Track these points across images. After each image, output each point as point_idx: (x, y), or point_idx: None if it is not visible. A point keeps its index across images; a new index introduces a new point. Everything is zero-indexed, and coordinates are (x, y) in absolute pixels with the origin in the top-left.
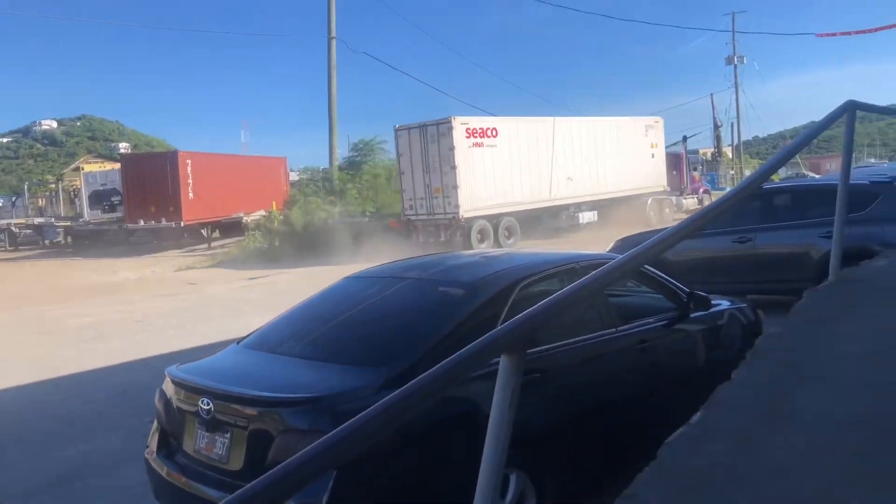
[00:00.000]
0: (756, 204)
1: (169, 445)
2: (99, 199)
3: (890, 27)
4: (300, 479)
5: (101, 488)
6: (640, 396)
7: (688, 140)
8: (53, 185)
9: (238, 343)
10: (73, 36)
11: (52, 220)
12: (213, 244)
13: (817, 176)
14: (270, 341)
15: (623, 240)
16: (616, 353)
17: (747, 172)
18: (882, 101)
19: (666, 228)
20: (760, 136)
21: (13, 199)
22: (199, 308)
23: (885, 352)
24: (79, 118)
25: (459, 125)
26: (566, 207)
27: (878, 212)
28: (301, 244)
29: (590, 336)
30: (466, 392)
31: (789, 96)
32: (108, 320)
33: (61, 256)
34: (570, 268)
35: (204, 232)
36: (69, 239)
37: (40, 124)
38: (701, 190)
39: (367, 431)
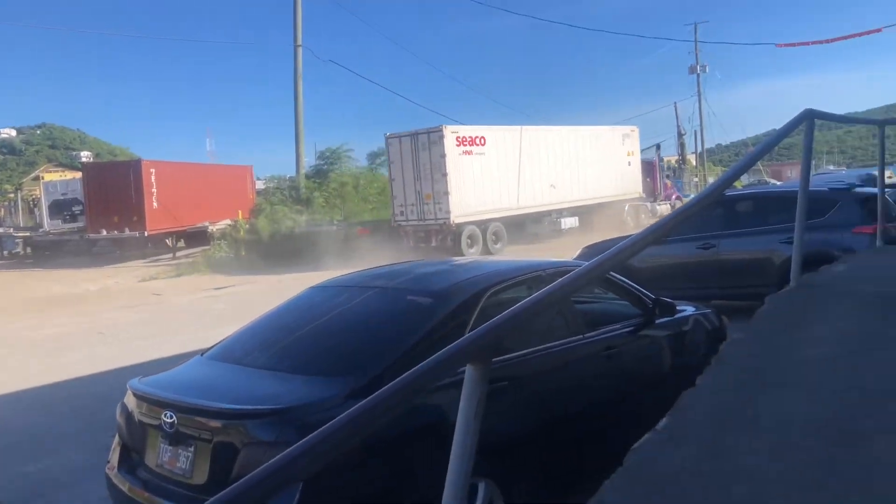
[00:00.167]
0: (719, 211)
1: (131, 460)
2: (60, 208)
3: (846, 38)
4: (265, 491)
5: None
6: (606, 402)
7: (651, 148)
8: (12, 195)
9: (202, 355)
10: (33, 43)
11: (11, 230)
12: (178, 254)
13: (779, 183)
14: (235, 352)
15: (589, 247)
16: (583, 359)
17: (711, 179)
18: (840, 109)
19: (631, 235)
20: (723, 143)
21: None
22: (163, 319)
23: (846, 356)
24: (39, 126)
25: (450, 134)
26: (549, 213)
27: (837, 218)
28: (268, 253)
29: (557, 343)
30: (433, 401)
31: (751, 104)
32: (69, 332)
33: (21, 268)
34: (538, 275)
35: (168, 242)
36: (29, 250)
37: None
38: (673, 196)
39: (334, 442)
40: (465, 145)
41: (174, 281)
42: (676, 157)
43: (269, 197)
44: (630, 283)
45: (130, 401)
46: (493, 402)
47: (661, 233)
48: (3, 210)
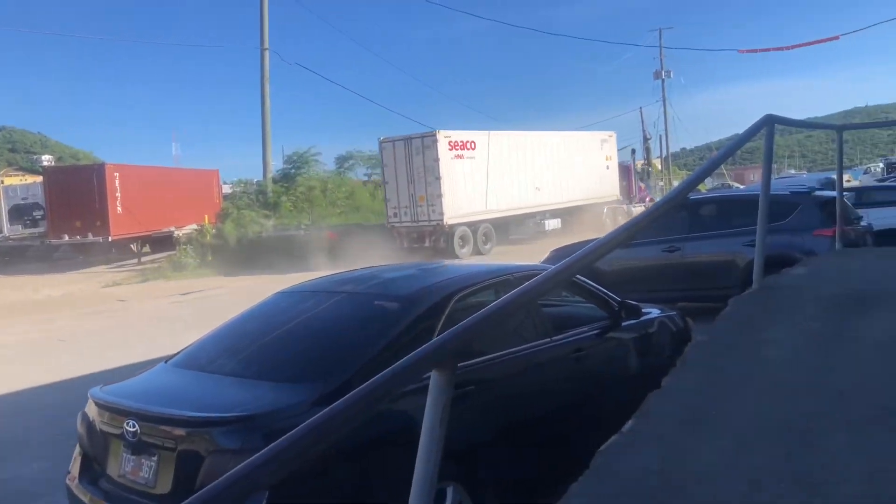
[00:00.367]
0: (684, 214)
1: (92, 470)
2: (20, 213)
3: (806, 45)
4: (230, 499)
5: None
6: (574, 405)
7: (619, 152)
8: None
9: (166, 362)
10: None
11: None
12: (144, 259)
13: (742, 186)
14: (200, 359)
15: (557, 250)
16: (550, 362)
17: (676, 183)
18: (801, 114)
19: (596, 239)
20: (688, 147)
21: None
22: (127, 326)
23: (806, 357)
24: None
25: (443, 138)
26: (534, 215)
27: (798, 221)
28: (235, 258)
29: (524, 347)
30: (400, 407)
31: (715, 109)
32: (29, 340)
33: None
34: (505, 279)
35: (133, 247)
36: None
37: None
38: (647, 199)
39: (299, 449)
40: (457, 149)
41: (139, 286)
42: (642, 162)
43: (235, 201)
44: (596, 286)
45: (92, 410)
46: (461, 406)
47: (626, 236)
48: None
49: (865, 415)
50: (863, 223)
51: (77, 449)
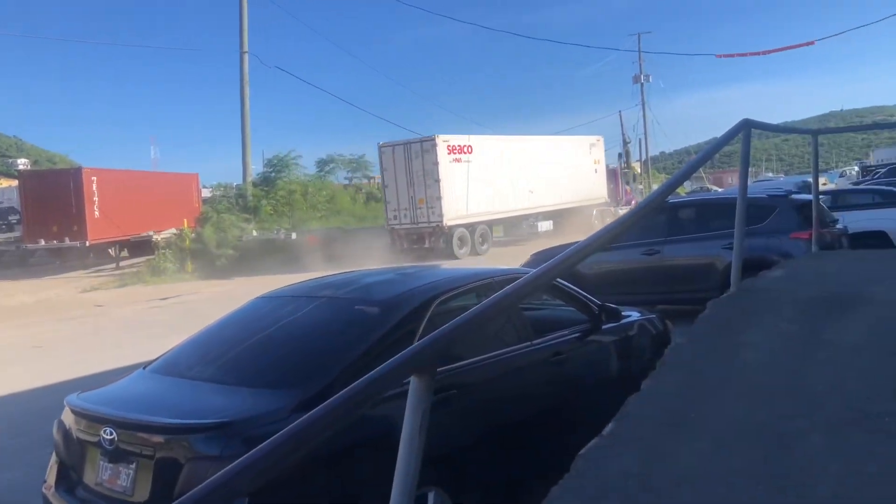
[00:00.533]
0: (663, 217)
1: (69, 479)
2: None
3: (782, 49)
4: None
5: None
6: (555, 408)
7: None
8: None
9: (144, 368)
10: None
11: None
12: (122, 264)
13: (720, 189)
14: (179, 365)
15: (537, 254)
16: (531, 366)
17: (655, 186)
18: (778, 117)
19: (576, 242)
20: (667, 151)
21: None
22: (105, 331)
23: (783, 360)
24: None
25: (442, 142)
26: (527, 217)
27: (775, 224)
28: (214, 262)
29: (505, 350)
30: (380, 412)
31: (693, 113)
32: (4, 346)
33: None
34: (487, 283)
35: (111, 251)
36: None
37: None
38: (633, 201)
39: (279, 456)
40: (455, 153)
41: (117, 291)
42: (622, 165)
43: (215, 205)
44: (577, 289)
45: (68, 417)
46: (443, 411)
47: (605, 240)
48: None
49: (841, 417)
50: (838, 226)
51: (53, 457)
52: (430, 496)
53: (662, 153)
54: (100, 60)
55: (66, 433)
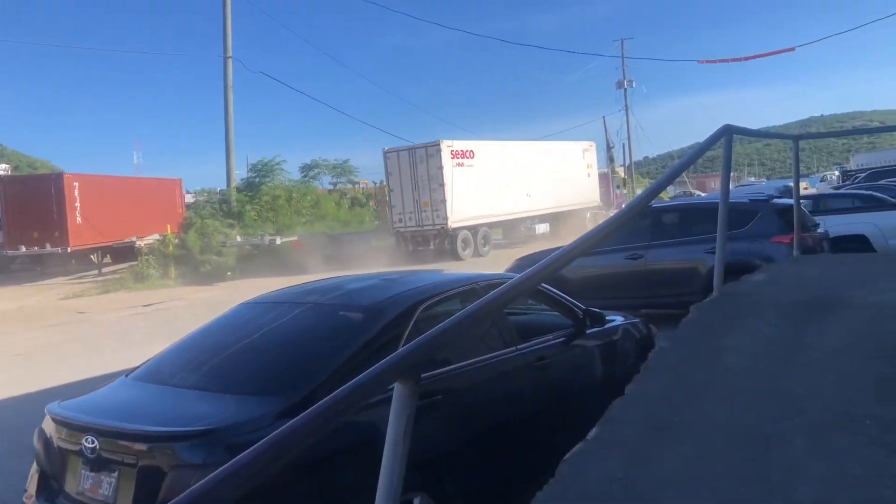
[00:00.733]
0: (646, 222)
1: (50, 488)
2: None
3: (763, 55)
4: None
5: None
6: (540, 413)
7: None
8: None
9: (127, 375)
10: None
11: None
12: (104, 270)
13: (703, 194)
14: (162, 373)
15: (521, 259)
16: (516, 371)
17: (639, 191)
18: (760, 122)
19: (561, 247)
20: (650, 156)
21: None
22: (86, 339)
23: (766, 363)
24: None
25: (446, 147)
26: (525, 220)
27: (757, 228)
28: (198, 268)
29: (490, 355)
30: (365, 417)
31: (677, 118)
32: None
33: None
34: (471, 288)
35: (94, 257)
36: None
37: None
38: (623, 205)
39: (262, 463)
40: (459, 158)
41: (100, 298)
42: (612, 170)
43: (199, 210)
44: (561, 294)
45: (49, 426)
46: (428, 416)
47: (589, 244)
48: None
49: (824, 420)
50: (820, 230)
51: (34, 466)
52: (416, 502)
53: (646, 158)
54: (82, 65)
55: (46, 442)
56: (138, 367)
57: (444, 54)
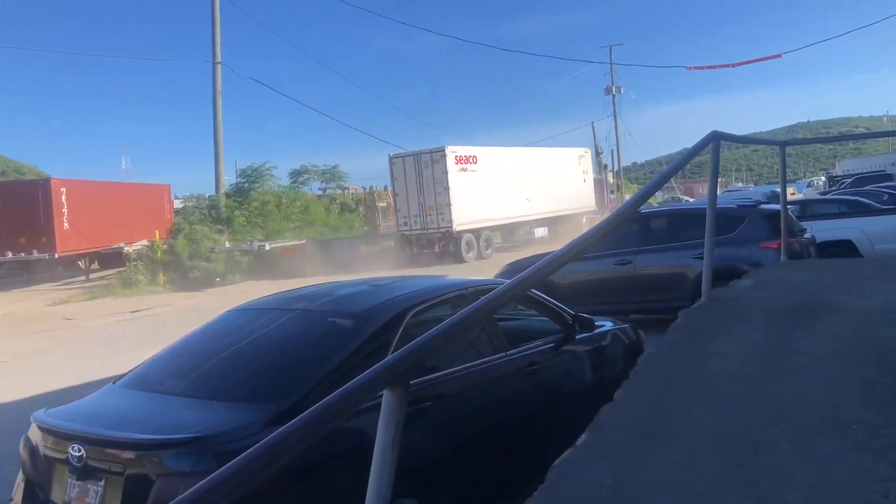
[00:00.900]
0: (634, 227)
1: (35, 497)
2: None
3: (750, 62)
4: None
5: None
6: (529, 419)
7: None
8: None
9: (114, 383)
10: None
11: None
12: (92, 276)
13: (691, 199)
14: (150, 380)
15: (511, 264)
16: (506, 376)
17: (628, 197)
18: (748, 128)
19: (550, 253)
20: (639, 161)
21: None
22: (74, 345)
23: (753, 369)
24: None
25: (450, 153)
26: (525, 224)
27: (745, 233)
28: (187, 274)
29: (480, 361)
30: (354, 424)
31: (665, 124)
32: None
33: None
34: (460, 294)
35: (81, 263)
36: None
37: None
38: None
39: (251, 471)
40: (462, 163)
41: (87, 304)
42: (605, 175)
43: (187, 216)
44: (550, 299)
45: (35, 434)
46: (418, 422)
47: (578, 250)
48: None
49: (811, 425)
50: (807, 235)
51: (20, 475)
52: None
53: (634, 164)
54: (70, 70)
55: (32, 450)
56: (126, 373)
57: (433, 60)
